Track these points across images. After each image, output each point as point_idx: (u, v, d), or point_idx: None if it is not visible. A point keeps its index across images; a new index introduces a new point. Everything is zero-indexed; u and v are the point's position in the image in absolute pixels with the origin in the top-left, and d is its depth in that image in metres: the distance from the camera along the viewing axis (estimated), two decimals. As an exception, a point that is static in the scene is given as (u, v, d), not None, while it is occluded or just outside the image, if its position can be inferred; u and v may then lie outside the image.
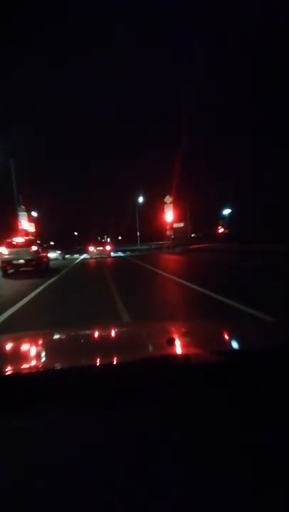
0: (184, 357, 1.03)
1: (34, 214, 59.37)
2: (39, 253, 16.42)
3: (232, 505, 0.61)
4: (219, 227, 65.89)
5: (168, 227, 38.12)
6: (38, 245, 16.92)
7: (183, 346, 1.23)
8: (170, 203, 37.13)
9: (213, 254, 22.45)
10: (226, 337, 1.54)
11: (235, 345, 1.41)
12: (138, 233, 59.65)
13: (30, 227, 38.57)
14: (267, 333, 1.57)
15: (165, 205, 37.21)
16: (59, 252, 28.56)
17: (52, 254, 27.13)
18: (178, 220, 39.42)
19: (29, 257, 15.50)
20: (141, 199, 56.07)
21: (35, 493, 0.64)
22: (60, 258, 27.97)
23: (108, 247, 28.29)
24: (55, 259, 27.27)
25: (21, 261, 15.38)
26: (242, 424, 0.80)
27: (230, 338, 1.50)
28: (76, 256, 34.65)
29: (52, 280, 12.12)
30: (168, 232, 38.03)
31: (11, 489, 0.65)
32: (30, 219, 36.58)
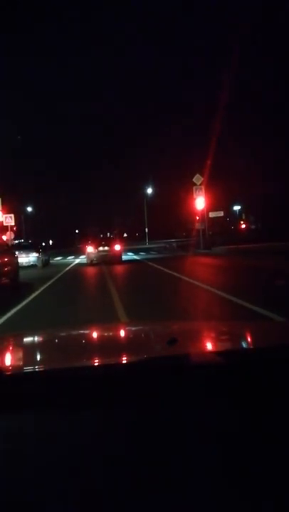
0: (185, 357, 0.99)
1: (29, 209, 51.54)
2: None
3: (232, 504, 0.61)
4: (241, 222, 57.33)
5: (198, 217, 27.59)
6: None
7: (184, 347, 1.19)
8: (201, 184, 26.63)
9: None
10: (228, 337, 1.51)
11: (236, 345, 1.38)
12: (146, 229, 53.57)
13: (9, 220, 28.59)
14: (268, 334, 1.52)
15: (194, 188, 26.63)
16: (36, 255, 17.26)
17: (24, 259, 16.64)
18: (211, 207, 28.38)
19: None
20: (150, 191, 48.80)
21: (33, 492, 0.64)
22: (39, 264, 17.19)
23: (117, 246, 17.51)
24: (32, 265, 16.73)
25: None
26: (243, 425, 0.79)
27: (232, 339, 1.47)
28: (70, 259, 24.02)
29: None
30: (197, 225, 27.50)
31: (11, 488, 0.65)
32: (5, 209, 26.28)
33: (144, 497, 0.62)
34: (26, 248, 17.41)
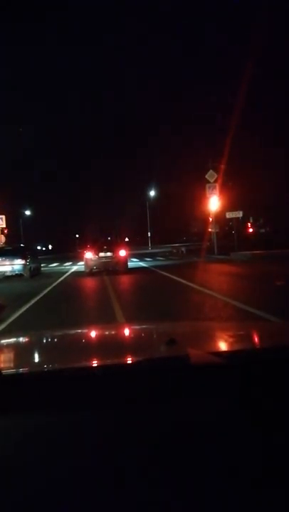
0: (185, 358, 0.99)
1: (28, 213, 48.72)
2: None
3: (231, 506, 0.62)
4: (248, 225, 54.37)
5: (211, 218, 24.46)
6: None
7: (183, 347, 1.18)
8: (214, 181, 23.53)
9: None
10: (227, 338, 1.49)
11: (236, 346, 1.37)
12: (149, 234, 51.60)
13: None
14: (268, 334, 1.52)
15: (207, 186, 23.55)
16: (22, 262, 13.66)
17: (6, 268, 13.50)
18: (226, 206, 25.08)
19: None
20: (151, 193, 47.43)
21: (33, 493, 0.64)
22: (25, 274, 13.71)
23: (123, 252, 14.14)
24: (17, 275, 13.51)
25: None
26: (243, 425, 0.79)
27: (232, 339, 1.46)
28: (67, 266, 20.92)
29: None
30: (211, 228, 24.41)
31: (10, 489, 0.65)
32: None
33: (146, 497, 0.63)
34: (9, 254, 14.03)
